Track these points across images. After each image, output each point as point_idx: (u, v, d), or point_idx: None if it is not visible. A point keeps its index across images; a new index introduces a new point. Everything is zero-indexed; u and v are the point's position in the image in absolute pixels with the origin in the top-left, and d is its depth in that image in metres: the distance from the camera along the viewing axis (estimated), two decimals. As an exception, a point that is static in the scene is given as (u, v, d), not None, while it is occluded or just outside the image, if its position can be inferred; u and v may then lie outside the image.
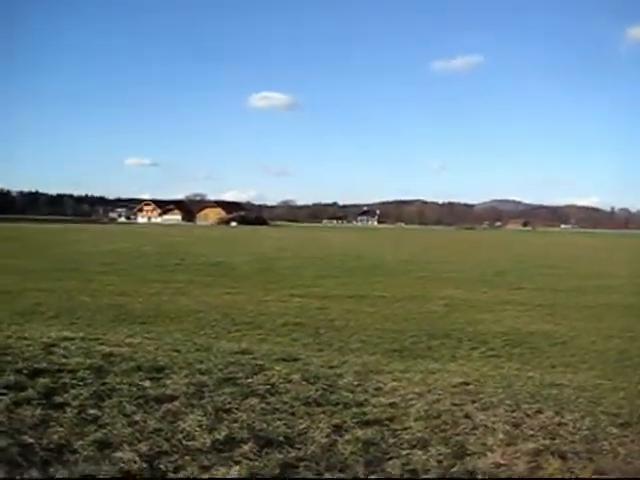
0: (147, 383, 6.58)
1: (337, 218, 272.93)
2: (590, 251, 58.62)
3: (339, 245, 57.09)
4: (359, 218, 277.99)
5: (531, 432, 5.75)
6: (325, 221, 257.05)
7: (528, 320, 14.96)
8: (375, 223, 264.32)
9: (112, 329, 11.23)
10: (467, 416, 6.03)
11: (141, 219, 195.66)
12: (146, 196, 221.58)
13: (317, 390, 6.53)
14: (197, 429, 5.37)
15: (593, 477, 5.42)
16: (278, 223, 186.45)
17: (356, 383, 7.05)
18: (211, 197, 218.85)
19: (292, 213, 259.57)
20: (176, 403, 6.01)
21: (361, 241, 70.31)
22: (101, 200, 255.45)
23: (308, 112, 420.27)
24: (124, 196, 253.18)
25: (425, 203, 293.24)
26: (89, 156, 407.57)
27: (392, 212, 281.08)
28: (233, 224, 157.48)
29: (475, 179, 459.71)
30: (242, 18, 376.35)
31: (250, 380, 6.86)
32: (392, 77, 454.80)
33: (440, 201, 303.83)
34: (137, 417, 5.58)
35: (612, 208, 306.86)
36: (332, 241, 66.84)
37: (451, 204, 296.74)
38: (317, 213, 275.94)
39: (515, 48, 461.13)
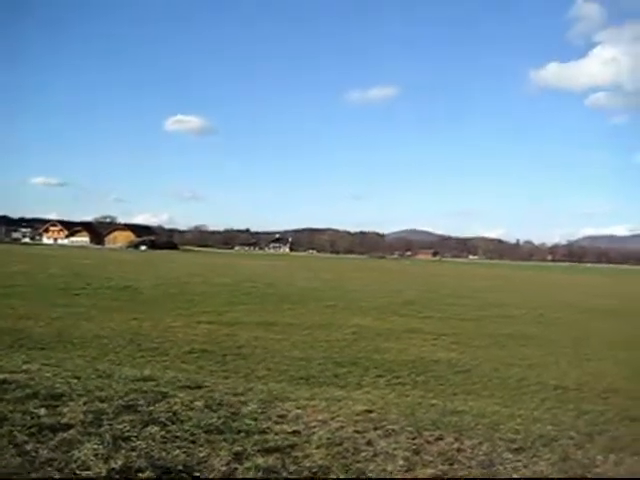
0: (42, 411, 6.30)
1: (249, 244, 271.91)
2: (495, 281, 60.45)
3: (250, 272, 56.77)
4: (271, 245, 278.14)
5: (430, 458, 5.83)
6: (237, 247, 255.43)
7: (433, 349, 15.26)
8: (287, 250, 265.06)
9: (8, 355, 10.73)
10: (369, 443, 6.07)
11: (47, 240, 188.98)
12: (53, 216, 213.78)
13: (220, 417, 6.43)
14: (92, 458, 5.17)
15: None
16: (189, 248, 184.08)
17: (260, 410, 6.98)
18: (121, 220, 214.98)
19: (204, 238, 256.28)
20: (72, 432, 5.77)
21: (272, 268, 70.16)
22: (3, 219, 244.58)
23: (222, 137, 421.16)
24: (29, 215, 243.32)
25: (337, 232, 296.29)
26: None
27: (304, 240, 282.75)
28: (143, 248, 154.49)
29: (387, 209, 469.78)
30: (158, 40, 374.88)
31: (151, 408, 6.69)
32: (307, 105, 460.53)
33: (352, 230, 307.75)
34: (28, 447, 5.33)
35: (517, 240, 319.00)
36: (243, 267, 66.40)
37: (363, 233, 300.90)
38: (229, 239, 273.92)
39: (427, 80, 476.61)
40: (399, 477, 5.18)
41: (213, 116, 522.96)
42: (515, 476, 5.66)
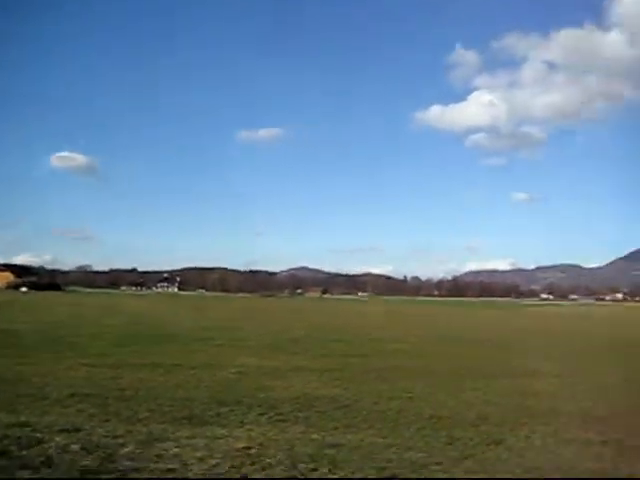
0: None
1: (137, 284, 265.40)
2: (381, 317, 61.81)
3: (137, 312, 55.56)
4: (159, 285, 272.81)
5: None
6: (124, 287, 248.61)
7: (317, 385, 15.50)
8: (176, 290, 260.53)
9: None
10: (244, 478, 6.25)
11: None
12: None
13: (95, 460, 6.44)
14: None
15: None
16: (73, 289, 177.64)
17: (138, 451, 7.03)
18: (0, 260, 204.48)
19: (89, 279, 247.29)
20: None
21: (160, 308, 68.91)
22: None
23: (108, 175, 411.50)
24: None
25: (227, 270, 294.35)
26: None
27: (193, 279, 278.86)
28: (23, 289, 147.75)
29: (278, 247, 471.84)
30: (38, 72, 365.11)
31: (24, 453, 6.61)
32: (193, 145, 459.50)
33: (242, 269, 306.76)
34: None
35: (405, 276, 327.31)
36: (129, 308, 64.87)
37: (253, 272, 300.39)
38: (115, 279, 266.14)
39: (314, 120, 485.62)
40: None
41: (98, 154, 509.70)
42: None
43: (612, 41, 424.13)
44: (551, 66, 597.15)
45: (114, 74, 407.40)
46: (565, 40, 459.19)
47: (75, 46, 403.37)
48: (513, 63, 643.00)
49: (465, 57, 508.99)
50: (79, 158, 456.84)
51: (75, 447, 6.91)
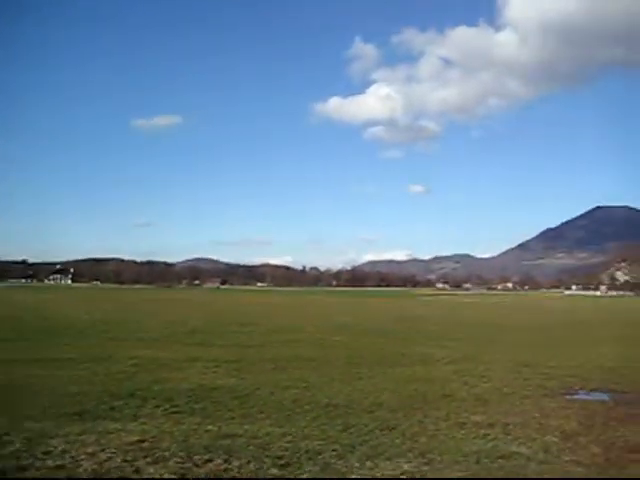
0: None
1: (27, 277, 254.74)
2: (278, 308, 62.03)
3: (26, 306, 53.45)
4: (52, 277, 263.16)
5: (197, 480, 6.02)
6: (12, 280, 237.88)
7: (215, 376, 15.41)
8: (69, 282, 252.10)
9: None
10: (136, 470, 6.15)
11: None
12: None
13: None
14: None
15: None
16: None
17: (24, 449, 6.77)
18: None
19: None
20: None
21: (52, 301, 66.64)
22: None
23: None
24: None
25: (123, 261, 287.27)
26: None
27: (88, 270, 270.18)
28: None
29: (175, 237, 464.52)
30: None
31: None
32: (89, 133, 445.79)
33: (139, 259, 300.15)
34: None
35: (304, 267, 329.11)
36: (18, 302, 62.34)
37: (150, 262, 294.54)
38: (2, 272, 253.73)
39: (213, 109, 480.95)
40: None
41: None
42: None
43: (504, 41, 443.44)
44: (447, 62, 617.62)
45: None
46: (460, 37, 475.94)
47: None
48: (411, 58, 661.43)
49: (364, 50, 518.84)
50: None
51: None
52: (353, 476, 5.61)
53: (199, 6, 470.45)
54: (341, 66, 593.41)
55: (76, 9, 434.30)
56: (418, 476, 7.16)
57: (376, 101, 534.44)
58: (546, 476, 6.13)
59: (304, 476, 6.58)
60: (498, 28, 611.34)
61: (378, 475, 6.88)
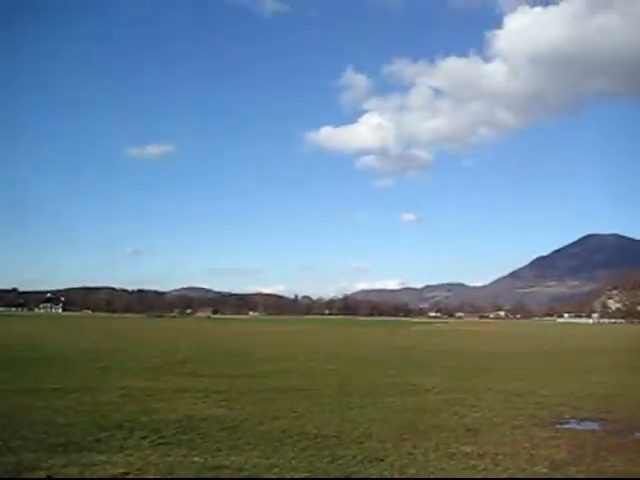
0: None
1: (17, 305, 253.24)
2: (269, 337, 61.78)
3: (16, 335, 53.05)
4: (42, 305, 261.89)
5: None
6: (2, 309, 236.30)
7: (203, 406, 15.27)
8: (60, 311, 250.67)
9: None
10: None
11: None
12: None
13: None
14: None
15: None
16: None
17: (4, 483, 6.66)
18: None
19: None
20: None
21: (43, 330, 66.20)
22: None
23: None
24: None
25: (114, 290, 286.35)
26: None
27: (79, 299, 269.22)
28: None
29: (167, 266, 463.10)
30: None
31: None
32: (81, 161, 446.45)
33: (130, 288, 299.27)
34: None
35: (296, 296, 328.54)
36: (8, 331, 61.89)
37: (141, 291, 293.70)
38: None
39: (204, 137, 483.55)
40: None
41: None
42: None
43: (493, 71, 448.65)
44: (437, 92, 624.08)
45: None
46: (450, 68, 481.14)
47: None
48: (402, 88, 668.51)
49: (355, 80, 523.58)
50: None
51: None
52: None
53: (192, 34, 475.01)
54: (333, 95, 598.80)
55: (70, 32, 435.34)
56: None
57: (368, 130, 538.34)
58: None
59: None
60: (487, 59, 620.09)
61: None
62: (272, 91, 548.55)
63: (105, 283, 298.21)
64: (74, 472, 7.38)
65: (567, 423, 13.91)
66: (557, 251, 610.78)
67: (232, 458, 9.48)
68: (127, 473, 7.52)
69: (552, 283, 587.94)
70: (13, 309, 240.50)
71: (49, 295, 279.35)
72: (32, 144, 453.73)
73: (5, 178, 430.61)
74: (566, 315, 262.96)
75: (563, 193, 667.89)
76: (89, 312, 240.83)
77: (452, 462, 9.76)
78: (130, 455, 9.49)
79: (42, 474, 7.12)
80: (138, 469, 7.93)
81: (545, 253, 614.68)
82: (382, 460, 9.66)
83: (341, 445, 10.87)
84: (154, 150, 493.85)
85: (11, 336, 50.26)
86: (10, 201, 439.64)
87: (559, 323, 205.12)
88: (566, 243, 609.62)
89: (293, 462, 9.37)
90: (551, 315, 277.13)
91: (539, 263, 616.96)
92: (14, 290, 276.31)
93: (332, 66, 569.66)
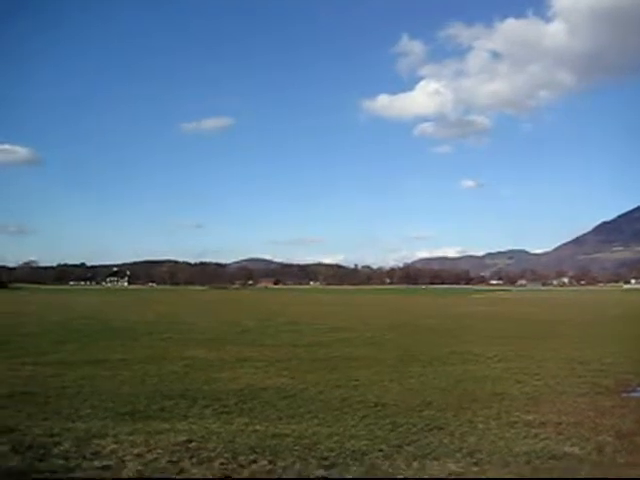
0: None
1: (85, 279, 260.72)
2: (331, 307, 62.04)
3: (84, 308, 54.66)
4: (109, 279, 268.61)
5: (240, 481, 6.02)
6: (72, 283, 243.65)
7: (264, 376, 15.46)
8: (125, 284, 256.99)
9: None
10: (181, 471, 6.17)
11: None
12: None
13: (25, 460, 6.27)
14: None
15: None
16: (19, 286, 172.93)
17: (73, 449, 6.88)
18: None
19: (35, 275, 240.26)
20: None
21: (108, 303, 67.99)
22: None
23: (51, 167, 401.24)
24: None
25: (177, 263, 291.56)
26: None
27: (143, 272, 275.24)
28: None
29: (228, 238, 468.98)
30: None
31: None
32: (140, 138, 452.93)
33: (192, 261, 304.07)
34: None
35: (356, 265, 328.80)
36: (77, 304, 63.78)
37: (203, 264, 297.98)
38: (63, 274, 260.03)
39: (262, 110, 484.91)
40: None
41: (40, 146, 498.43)
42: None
43: (554, 32, 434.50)
44: (495, 55, 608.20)
45: (54, 67, 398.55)
46: (508, 30, 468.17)
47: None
48: (458, 53, 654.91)
49: (411, 47, 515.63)
50: (20, 151, 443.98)
51: (4, 448, 6.71)
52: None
53: (248, 7, 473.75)
54: (388, 63, 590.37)
55: (128, 14, 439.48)
56: (465, 477, 7.05)
57: (425, 97, 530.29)
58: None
59: (349, 476, 6.53)
60: (548, 19, 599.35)
61: (425, 476, 6.78)
62: (328, 61, 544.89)
63: (168, 256, 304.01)
64: (139, 440, 7.57)
65: (634, 392, 13.59)
66: (622, 216, 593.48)
67: (292, 427, 9.58)
68: (190, 441, 7.68)
69: (617, 248, 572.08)
70: (82, 283, 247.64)
71: (115, 269, 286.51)
72: (95, 123, 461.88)
73: (71, 157, 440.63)
74: (633, 281, 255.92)
75: (627, 156, 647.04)
76: (154, 285, 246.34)
77: (513, 430, 9.65)
78: (193, 423, 9.69)
79: (110, 441, 7.33)
80: (200, 437, 8.09)
81: (609, 218, 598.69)
82: (442, 428, 9.63)
83: (401, 413, 10.87)
84: (211, 123, 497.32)
85: (81, 310, 51.73)
86: (77, 179, 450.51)
87: (625, 289, 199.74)
88: (631, 207, 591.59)
89: (353, 430, 9.42)
90: (617, 281, 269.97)
91: (603, 228, 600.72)
92: (82, 265, 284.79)
93: (387, 33, 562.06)
